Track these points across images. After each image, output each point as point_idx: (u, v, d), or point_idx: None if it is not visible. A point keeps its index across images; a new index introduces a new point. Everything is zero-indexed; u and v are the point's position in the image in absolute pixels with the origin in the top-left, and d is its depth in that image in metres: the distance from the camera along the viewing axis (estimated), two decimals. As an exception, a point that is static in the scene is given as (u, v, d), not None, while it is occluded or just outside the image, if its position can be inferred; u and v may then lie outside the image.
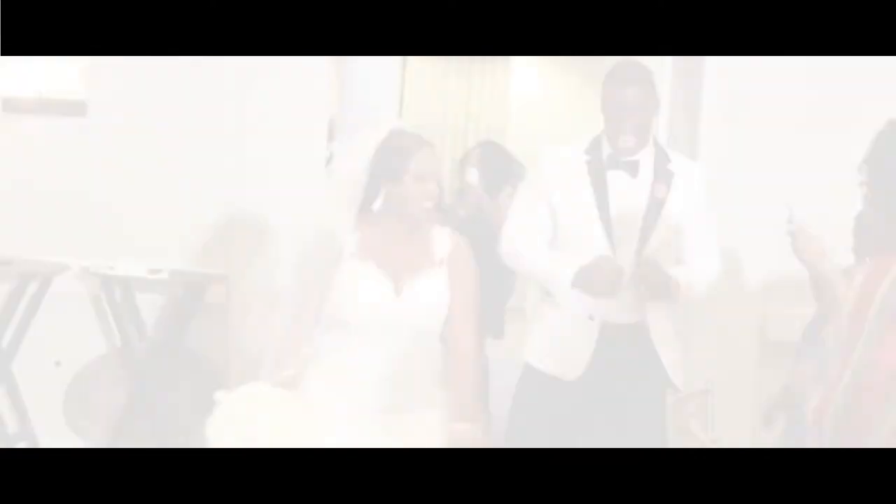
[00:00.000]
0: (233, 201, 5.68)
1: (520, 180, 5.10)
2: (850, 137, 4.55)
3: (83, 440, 5.81)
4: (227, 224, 5.67)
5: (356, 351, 3.46)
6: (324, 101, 5.87)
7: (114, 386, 5.75)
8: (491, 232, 4.50)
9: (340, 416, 3.38)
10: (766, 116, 5.68)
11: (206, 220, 5.71)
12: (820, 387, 3.06)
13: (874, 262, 3.00)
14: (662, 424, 4.25)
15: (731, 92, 5.75)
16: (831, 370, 3.01)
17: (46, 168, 5.76)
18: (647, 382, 4.17)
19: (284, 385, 3.41)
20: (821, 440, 2.98)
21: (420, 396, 3.44)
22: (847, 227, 4.36)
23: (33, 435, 5.70)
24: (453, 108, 11.19)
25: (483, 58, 11.65)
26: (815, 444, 2.99)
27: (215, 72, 5.72)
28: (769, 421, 4.21)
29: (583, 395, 4.04)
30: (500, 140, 7.86)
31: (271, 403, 3.37)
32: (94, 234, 5.72)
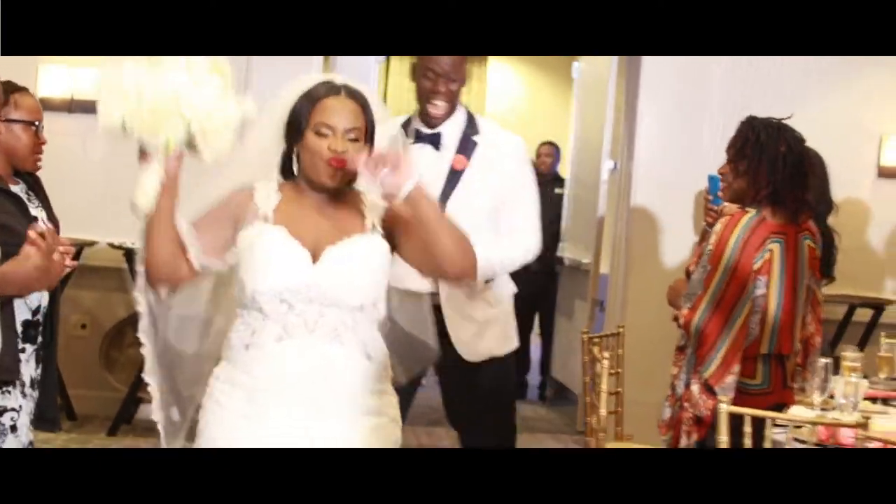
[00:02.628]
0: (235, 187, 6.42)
1: None
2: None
3: (106, 392, 6.49)
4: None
5: (272, 347, 2.82)
6: None
7: (133, 345, 6.17)
8: None
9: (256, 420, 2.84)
10: (697, 115, 6.49)
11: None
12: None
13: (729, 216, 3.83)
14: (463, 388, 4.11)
15: (670, 91, 6.58)
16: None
17: (77, 159, 6.30)
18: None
19: None
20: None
21: (344, 395, 2.86)
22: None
23: (63, 388, 6.20)
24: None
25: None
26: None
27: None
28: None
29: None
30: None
31: None
32: (118, 215, 6.32)
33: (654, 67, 6.57)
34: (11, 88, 3.64)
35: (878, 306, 6.50)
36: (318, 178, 2.89)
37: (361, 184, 2.95)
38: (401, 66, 11.52)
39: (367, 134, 2.93)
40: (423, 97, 4.10)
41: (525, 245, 4.09)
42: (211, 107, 2.77)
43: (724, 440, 3.18)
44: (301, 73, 6.16)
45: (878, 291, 6.69)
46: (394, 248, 2.94)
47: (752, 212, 3.73)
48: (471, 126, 4.11)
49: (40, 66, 6.33)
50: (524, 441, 7.03)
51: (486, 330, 4.09)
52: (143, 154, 2.80)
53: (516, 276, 4.23)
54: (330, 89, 2.94)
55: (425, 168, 3.81)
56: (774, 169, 3.75)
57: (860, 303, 6.54)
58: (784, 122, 3.89)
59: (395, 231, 2.94)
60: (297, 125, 2.93)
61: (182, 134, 2.75)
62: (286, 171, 2.98)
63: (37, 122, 3.67)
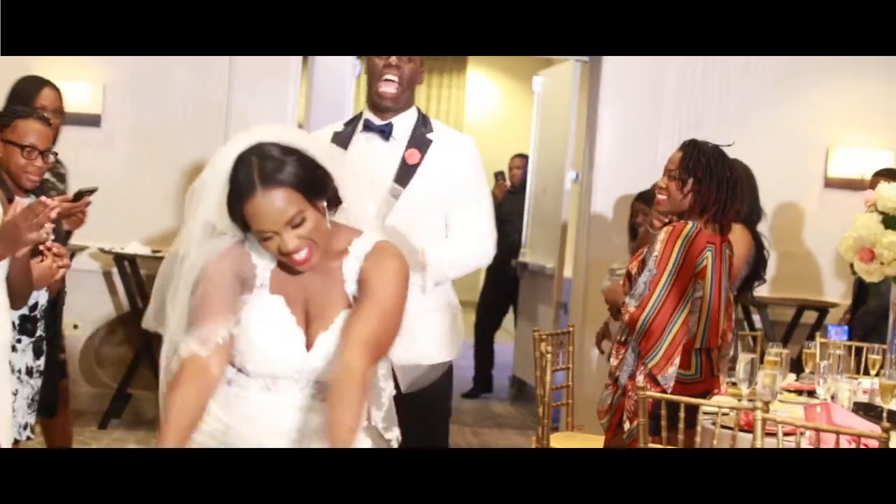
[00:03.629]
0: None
1: None
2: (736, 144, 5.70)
3: (97, 387, 6.82)
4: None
5: (255, 395, 2.75)
6: (294, 103, 6.91)
7: (122, 343, 6.80)
8: None
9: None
10: (653, 127, 6.94)
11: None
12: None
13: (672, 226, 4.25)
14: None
15: (627, 105, 7.01)
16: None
17: (69, 169, 6.41)
18: None
19: None
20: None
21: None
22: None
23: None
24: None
25: (441, 67, 12.03)
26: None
27: (202, 79, 6.85)
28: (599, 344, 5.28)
29: None
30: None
31: None
32: (108, 222, 6.47)
33: (613, 81, 7.00)
34: (18, 113, 4.00)
35: (823, 309, 6.92)
36: (296, 269, 2.72)
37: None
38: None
39: (313, 197, 2.68)
40: (375, 77, 3.92)
41: (480, 249, 3.97)
42: None
43: (643, 421, 3.61)
44: (280, 72, 6.68)
45: (823, 295, 7.10)
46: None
47: (690, 223, 4.15)
48: (424, 125, 3.97)
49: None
50: (493, 435, 7.45)
51: (418, 334, 3.49)
52: None
53: (492, 277, 3.95)
54: (247, 184, 2.64)
55: (372, 158, 3.81)
56: (720, 190, 4.18)
57: (807, 305, 6.96)
58: (722, 146, 4.31)
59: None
60: (242, 226, 2.71)
61: None
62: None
63: (31, 146, 3.99)
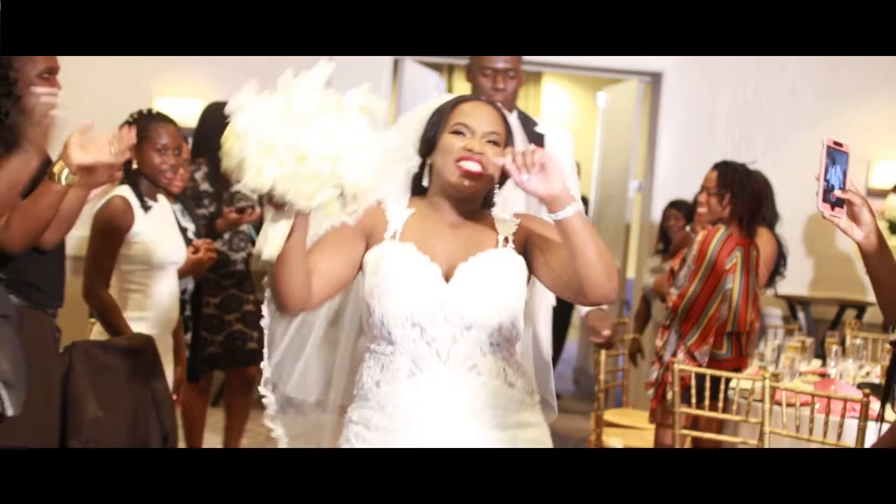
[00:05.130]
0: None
1: None
2: (784, 150, 6.25)
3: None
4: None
5: (403, 382, 2.66)
6: (384, 116, 7.58)
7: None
8: None
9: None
10: (708, 141, 7.68)
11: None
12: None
13: (707, 231, 5.02)
14: None
15: (685, 121, 7.76)
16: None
17: None
18: None
19: None
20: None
21: (484, 429, 2.65)
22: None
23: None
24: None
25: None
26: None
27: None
28: None
29: None
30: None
31: None
32: None
33: (672, 100, 7.77)
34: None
35: (862, 307, 7.60)
36: (449, 179, 2.70)
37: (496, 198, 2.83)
38: (462, 85, 12.13)
39: (507, 142, 2.76)
40: (487, 86, 4.05)
41: None
42: (366, 166, 2.42)
43: (676, 390, 4.39)
44: (373, 76, 7.46)
45: (862, 295, 7.77)
46: (529, 268, 2.75)
47: (722, 228, 4.92)
48: (527, 120, 4.07)
49: (155, 100, 7.47)
50: (559, 419, 8.19)
51: None
52: (278, 207, 2.41)
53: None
54: (470, 97, 2.84)
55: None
56: (751, 202, 4.95)
57: (848, 304, 7.65)
58: (748, 163, 5.07)
59: (529, 249, 2.74)
60: (433, 132, 2.75)
61: (336, 199, 2.42)
62: (417, 185, 2.82)
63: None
